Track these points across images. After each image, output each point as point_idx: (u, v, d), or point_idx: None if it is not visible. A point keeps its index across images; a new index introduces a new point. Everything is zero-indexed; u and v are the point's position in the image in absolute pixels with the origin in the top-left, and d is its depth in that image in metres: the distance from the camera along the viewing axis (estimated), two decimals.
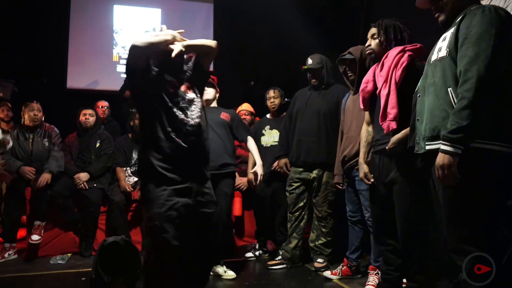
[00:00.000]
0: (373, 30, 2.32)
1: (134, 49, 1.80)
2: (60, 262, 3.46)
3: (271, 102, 3.71)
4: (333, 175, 3.05)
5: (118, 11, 6.31)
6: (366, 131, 2.43)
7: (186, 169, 1.83)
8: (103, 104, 4.65)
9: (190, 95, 1.94)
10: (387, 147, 2.13)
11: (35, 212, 3.56)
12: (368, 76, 2.36)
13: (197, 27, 6.44)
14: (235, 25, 6.21)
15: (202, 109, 1.96)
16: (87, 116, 3.91)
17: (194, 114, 1.90)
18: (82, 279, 2.91)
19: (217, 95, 3.29)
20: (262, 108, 3.95)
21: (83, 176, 3.69)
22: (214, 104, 3.27)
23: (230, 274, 2.97)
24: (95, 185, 3.73)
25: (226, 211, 3.04)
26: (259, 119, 3.90)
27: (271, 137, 3.65)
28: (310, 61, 3.20)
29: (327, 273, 2.92)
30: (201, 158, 1.94)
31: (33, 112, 3.72)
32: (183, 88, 1.94)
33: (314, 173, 3.15)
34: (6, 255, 3.51)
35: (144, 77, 1.85)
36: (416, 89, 1.88)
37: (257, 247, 3.63)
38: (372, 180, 2.30)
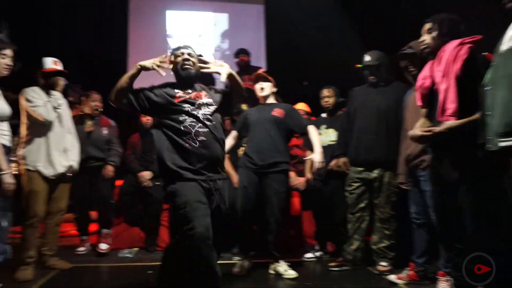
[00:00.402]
0: (428, 25, 2.24)
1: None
2: (127, 255, 3.65)
3: (325, 101, 3.67)
4: (395, 174, 2.96)
5: (171, 16, 6.52)
6: (423, 122, 2.36)
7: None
8: None
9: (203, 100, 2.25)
10: (436, 130, 2.06)
11: (102, 221, 3.79)
12: (425, 72, 2.28)
13: (248, 29, 6.51)
14: (287, 25, 6.19)
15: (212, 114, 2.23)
16: (148, 117, 4.08)
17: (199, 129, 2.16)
18: (149, 272, 3.05)
19: (274, 89, 3.30)
20: (317, 108, 3.91)
21: (147, 174, 3.86)
22: (271, 99, 3.28)
23: (291, 273, 2.97)
24: (158, 183, 3.86)
25: (277, 209, 3.01)
26: (315, 119, 3.87)
27: (327, 136, 3.60)
28: (367, 58, 3.13)
29: (392, 277, 2.83)
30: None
31: (94, 103, 3.82)
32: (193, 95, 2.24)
33: (375, 173, 3.07)
34: (81, 248, 3.78)
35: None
36: (484, 81, 1.79)
37: (317, 247, 3.60)
38: (437, 129, 2.18)
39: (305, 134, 3.18)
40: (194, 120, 2.16)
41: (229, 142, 3.22)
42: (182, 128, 2.14)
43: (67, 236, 4.44)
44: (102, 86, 3.84)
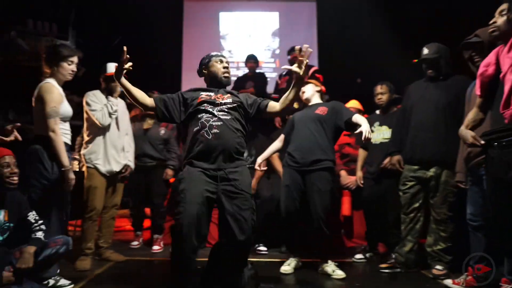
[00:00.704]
0: (503, 6, 2.05)
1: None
2: None
3: (378, 98, 3.54)
4: (454, 173, 2.78)
5: (224, 17, 6.64)
6: (475, 113, 2.24)
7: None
8: None
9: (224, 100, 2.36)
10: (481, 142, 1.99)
11: (154, 227, 3.97)
12: (490, 58, 2.10)
13: (300, 27, 6.47)
14: (339, 21, 6.08)
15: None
16: None
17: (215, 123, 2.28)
18: (198, 267, 3.10)
19: (318, 90, 3.28)
20: (371, 106, 3.78)
21: None
22: (315, 99, 3.26)
23: (339, 273, 2.89)
24: None
25: (320, 207, 2.93)
26: (368, 116, 3.74)
27: (380, 133, 3.46)
28: (426, 50, 2.96)
29: (448, 282, 2.65)
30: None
31: None
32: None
33: (431, 171, 2.90)
34: (135, 242, 3.96)
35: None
36: None
37: (367, 249, 3.48)
38: (482, 141, 2.09)
39: (351, 128, 3.02)
40: (210, 115, 2.29)
41: (276, 144, 3.31)
42: (199, 123, 2.27)
43: (123, 231, 4.70)
44: (159, 87, 4.03)
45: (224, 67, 2.45)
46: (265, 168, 3.42)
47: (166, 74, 6.23)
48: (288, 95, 2.34)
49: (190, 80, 6.40)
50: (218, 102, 2.34)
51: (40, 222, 2.37)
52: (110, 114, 3.17)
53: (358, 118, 2.91)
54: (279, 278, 2.88)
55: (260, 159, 3.26)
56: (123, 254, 3.43)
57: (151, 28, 6.13)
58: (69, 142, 2.86)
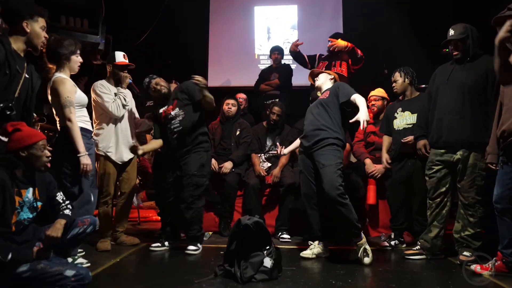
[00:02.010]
0: None
1: None
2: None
3: (393, 86, 3.49)
4: (482, 156, 2.70)
5: (258, 11, 6.67)
6: None
7: None
8: (241, 96, 4.93)
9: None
10: None
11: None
12: None
13: (326, 18, 6.41)
14: (365, 12, 5.99)
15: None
16: (230, 106, 4.21)
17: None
18: (221, 252, 3.14)
19: (331, 78, 3.30)
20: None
21: (228, 165, 3.98)
22: (327, 85, 3.26)
23: (366, 260, 2.81)
24: (233, 170, 3.99)
25: (328, 183, 2.83)
26: (391, 103, 3.67)
27: (403, 119, 3.39)
28: (452, 32, 2.87)
29: (476, 267, 2.57)
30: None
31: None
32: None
33: (458, 154, 2.81)
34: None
35: None
36: None
37: (392, 236, 3.41)
38: None
39: (352, 106, 3.00)
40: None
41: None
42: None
43: (150, 221, 4.83)
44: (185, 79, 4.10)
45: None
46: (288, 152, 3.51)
47: (193, 67, 6.34)
48: None
49: (216, 73, 6.52)
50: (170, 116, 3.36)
51: (67, 202, 2.45)
52: (123, 106, 3.27)
53: (357, 98, 2.95)
54: (301, 265, 2.86)
55: (286, 151, 3.41)
56: (149, 242, 3.50)
57: (178, 22, 6.25)
58: (89, 127, 2.99)
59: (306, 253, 3.03)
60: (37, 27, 2.29)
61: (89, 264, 2.72)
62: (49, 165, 2.28)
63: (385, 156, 3.51)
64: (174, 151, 3.35)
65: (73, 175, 2.76)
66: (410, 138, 3.22)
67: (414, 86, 3.45)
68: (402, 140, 3.26)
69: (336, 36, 4.69)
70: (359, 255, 2.84)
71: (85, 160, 2.77)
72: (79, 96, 2.88)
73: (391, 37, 5.87)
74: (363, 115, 2.80)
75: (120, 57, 3.36)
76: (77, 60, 2.88)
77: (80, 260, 2.71)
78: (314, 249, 3.06)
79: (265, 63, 6.40)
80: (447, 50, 2.99)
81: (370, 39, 5.84)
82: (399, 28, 5.70)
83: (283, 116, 4.18)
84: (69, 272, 2.03)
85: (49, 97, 2.85)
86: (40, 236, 2.32)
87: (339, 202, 2.81)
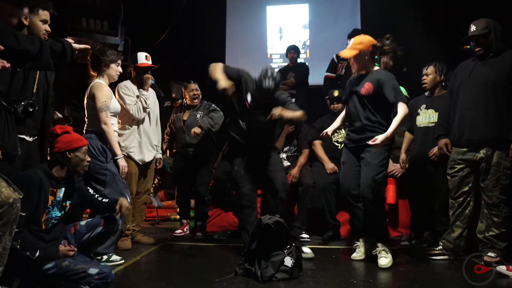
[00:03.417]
0: None
1: None
2: (222, 237, 3.84)
3: (423, 80, 3.40)
4: (506, 155, 2.65)
5: (271, 11, 6.68)
6: None
7: None
8: None
9: None
10: None
11: (197, 214, 4.04)
12: None
13: (343, 17, 6.37)
14: (383, 10, 5.92)
15: None
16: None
17: None
18: (242, 253, 3.15)
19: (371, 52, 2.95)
20: (419, 93, 3.64)
21: None
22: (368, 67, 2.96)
23: (382, 263, 2.73)
24: None
25: (368, 181, 2.76)
26: (416, 98, 3.59)
27: (426, 117, 3.33)
28: (473, 27, 2.82)
29: (502, 268, 2.52)
30: None
31: (192, 92, 4.04)
32: None
33: (481, 153, 2.75)
34: (184, 229, 4.08)
35: None
36: None
37: (412, 236, 3.36)
38: None
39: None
40: None
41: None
42: None
43: (168, 221, 4.89)
44: (200, 80, 4.13)
45: None
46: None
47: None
48: None
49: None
50: None
51: (98, 196, 2.53)
52: (144, 109, 3.30)
53: (398, 113, 2.73)
54: (320, 264, 2.85)
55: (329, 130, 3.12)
56: (169, 241, 3.55)
57: (196, 22, 6.30)
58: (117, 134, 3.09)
59: (355, 256, 2.96)
60: (37, 20, 2.24)
61: (123, 261, 2.76)
62: (87, 169, 2.37)
63: (402, 157, 3.47)
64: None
65: (103, 179, 2.82)
66: (435, 151, 3.13)
67: (443, 84, 3.39)
68: (429, 155, 3.18)
69: (354, 33, 4.65)
70: (378, 256, 2.78)
71: (123, 162, 2.90)
72: (114, 104, 2.96)
73: (410, 34, 5.78)
74: (380, 138, 2.64)
75: (142, 58, 3.38)
76: (116, 68, 3.00)
77: (115, 257, 2.75)
78: (361, 248, 2.96)
79: (277, 61, 6.42)
80: (468, 46, 2.93)
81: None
82: (418, 24, 5.62)
83: (300, 124, 4.04)
84: (93, 270, 2.08)
85: (86, 101, 2.94)
86: (66, 235, 2.38)
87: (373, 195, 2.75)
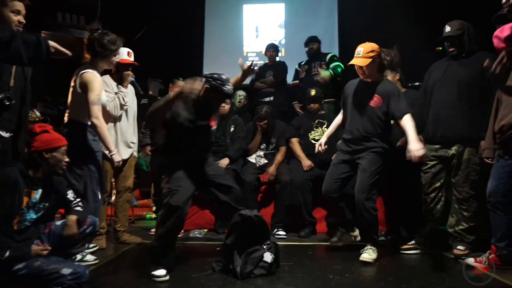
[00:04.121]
0: None
1: None
2: (197, 235, 3.81)
3: None
4: (476, 151, 2.74)
5: (247, 10, 6.68)
6: None
7: None
8: (240, 93, 4.91)
9: None
10: None
11: None
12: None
13: (320, 17, 6.44)
14: (361, 11, 6.01)
15: None
16: (223, 105, 4.19)
17: None
18: (217, 249, 3.15)
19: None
20: None
21: (225, 161, 3.99)
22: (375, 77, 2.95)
23: (365, 256, 2.77)
24: (229, 166, 3.98)
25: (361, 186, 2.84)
26: None
27: None
28: (448, 28, 2.91)
29: (470, 260, 2.62)
30: None
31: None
32: None
33: (453, 150, 2.85)
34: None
35: None
36: None
37: (388, 231, 3.44)
38: None
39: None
40: None
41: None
42: None
43: (143, 219, 4.85)
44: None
45: None
46: (325, 147, 3.16)
47: (189, 65, 6.33)
48: None
49: (211, 70, 6.50)
50: None
51: (78, 200, 2.45)
52: (121, 106, 3.22)
53: (407, 124, 2.70)
54: (298, 260, 2.88)
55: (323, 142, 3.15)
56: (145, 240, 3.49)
57: (175, 19, 6.23)
58: None
59: (334, 240, 3.14)
60: (7, 11, 2.15)
61: (97, 261, 2.72)
62: (65, 169, 2.31)
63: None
64: None
65: (79, 173, 2.71)
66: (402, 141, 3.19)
67: (402, 83, 3.48)
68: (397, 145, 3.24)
69: (311, 40, 4.94)
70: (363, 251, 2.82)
71: (117, 157, 2.80)
72: (103, 97, 2.85)
73: (388, 34, 5.88)
74: (415, 146, 2.59)
75: (124, 54, 3.28)
76: (113, 59, 2.84)
77: (89, 257, 2.69)
78: (339, 235, 3.13)
79: (254, 59, 6.45)
80: (440, 48, 3.01)
81: (365, 38, 5.88)
82: (397, 24, 5.72)
83: (271, 119, 4.11)
84: (66, 271, 2.02)
85: (73, 87, 2.74)
86: (39, 234, 2.31)
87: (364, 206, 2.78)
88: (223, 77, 2.58)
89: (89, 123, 2.78)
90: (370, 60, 2.82)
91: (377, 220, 2.87)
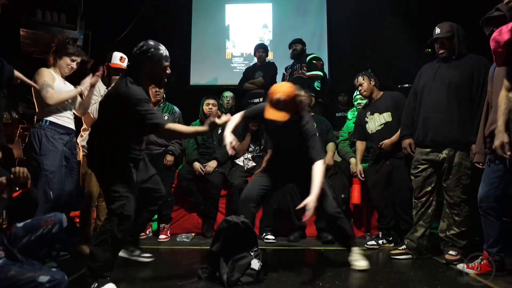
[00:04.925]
0: None
1: None
2: (185, 240, 3.72)
3: (360, 91, 3.52)
4: (468, 154, 2.70)
5: (230, 9, 6.61)
6: (505, 97, 2.14)
7: None
8: (227, 94, 4.83)
9: None
10: None
11: (161, 216, 3.85)
12: (509, 26, 2.02)
13: (310, 17, 6.40)
14: (350, 10, 6.00)
15: None
16: (210, 106, 4.11)
17: None
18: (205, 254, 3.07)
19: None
20: None
21: (213, 164, 3.91)
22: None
23: (361, 264, 2.66)
24: (217, 169, 3.91)
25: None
26: (360, 111, 3.68)
27: (374, 122, 3.44)
28: (438, 30, 2.87)
29: (461, 266, 2.57)
30: None
31: (155, 89, 3.86)
32: None
33: (444, 153, 2.81)
34: (147, 232, 3.92)
35: None
36: None
37: (380, 235, 3.39)
38: (509, 153, 2.03)
39: None
40: None
41: None
42: None
43: None
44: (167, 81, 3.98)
45: None
46: None
47: (178, 65, 6.23)
48: None
49: (198, 71, 6.44)
50: None
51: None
52: None
53: (317, 172, 2.44)
54: (286, 266, 2.79)
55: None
56: None
57: (161, 18, 6.13)
58: (73, 127, 2.96)
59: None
60: None
61: (57, 269, 2.58)
62: None
63: (359, 168, 3.57)
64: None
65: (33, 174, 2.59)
66: (386, 142, 3.26)
67: (377, 86, 3.47)
68: (379, 146, 3.27)
69: (294, 41, 4.94)
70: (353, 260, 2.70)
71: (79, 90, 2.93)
72: (58, 86, 2.83)
73: (377, 35, 5.88)
74: (311, 199, 2.38)
75: (116, 58, 3.27)
76: (68, 62, 2.90)
77: (51, 263, 2.58)
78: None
79: (237, 61, 6.41)
80: (429, 50, 2.97)
81: (355, 38, 5.87)
82: (385, 25, 5.72)
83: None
84: (43, 278, 1.92)
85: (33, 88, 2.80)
86: (2, 239, 2.18)
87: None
88: None
89: (55, 120, 2.82)
90: (290, 114, 2.51)
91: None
